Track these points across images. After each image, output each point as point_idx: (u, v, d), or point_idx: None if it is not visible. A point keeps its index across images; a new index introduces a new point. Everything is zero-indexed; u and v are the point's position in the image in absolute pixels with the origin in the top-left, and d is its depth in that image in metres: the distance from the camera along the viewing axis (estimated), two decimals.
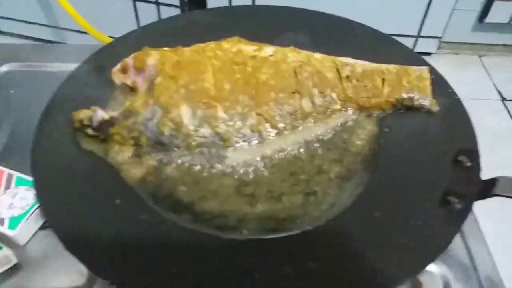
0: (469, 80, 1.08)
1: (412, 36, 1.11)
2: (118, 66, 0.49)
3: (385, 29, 1.08)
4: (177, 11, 1.05)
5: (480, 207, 0.39)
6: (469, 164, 0.40)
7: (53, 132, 0.43)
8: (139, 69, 0.47)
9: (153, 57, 0.47)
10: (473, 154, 0.40)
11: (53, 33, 1.25)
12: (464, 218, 0.36)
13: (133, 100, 0.44)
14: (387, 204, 0.38)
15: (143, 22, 1.13)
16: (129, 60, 0.48)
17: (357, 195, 0.39)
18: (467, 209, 0.37)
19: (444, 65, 1.16)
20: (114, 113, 0.43)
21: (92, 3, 1.12)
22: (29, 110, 0.58)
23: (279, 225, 0.37)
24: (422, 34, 1.10)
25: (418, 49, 1.13)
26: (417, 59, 0.51)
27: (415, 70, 0.47)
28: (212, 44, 0.50)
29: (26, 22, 1.25)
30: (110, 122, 0.42)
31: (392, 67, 0.48)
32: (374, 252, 0.35)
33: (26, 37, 1.30)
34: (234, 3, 1.09)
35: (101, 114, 0.42)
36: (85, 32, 1.06)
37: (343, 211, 0.38)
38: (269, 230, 0.37)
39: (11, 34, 1.31)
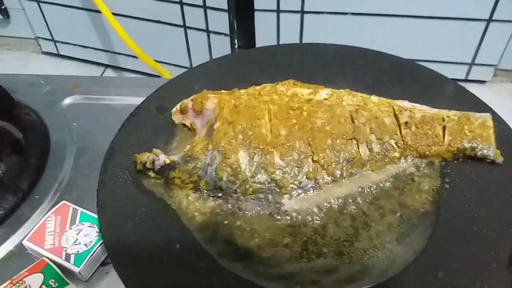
0: None
1: (466, 64, 1.08)
2: (177, 107, 0.51)
3: (439, 57, 1.06)
4: (226, 39, 1.08)
5: None
6: None
7: (117, 173, 0.45)
8: (198, 112, 0.49)
9: (211, 100, 0.48)
10: None
11: (108, 57, 1.31)
12: None
13: (193, 145, 0.45)
14: (450, 263, 0.37)
15: (193, 49, 1.16)
16: (188, 102, 0.50)
17: (419, 251, 0.38)
18: None
19: (500, 93, 1.11)
20: (175, 158, 0.44)
21: (146, 30, 1.16)
22: (89, 144, 0.61)
23: (337, 281, 0.37)
24: (476, 61, 1.06)
25: (472, 76, 1.10)
26: (479, 103, 0.49)
27: (477, 117, 0.46)
28: (267, 87, 0.51)
29: (83, 46, 1.32)
30: (171, 166, 0.44)
31: (452, 113, 0.47)
32: None
33: (83, 61, 1.37)
34: (281, 36, 1.10)
35: (162, 158, 0.44)
36: (137, 57, 1.11)
37: (405, 269, 0.37)
38: (326, 286, 0.36)
39: (69, 57, 1.39)
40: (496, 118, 0.46)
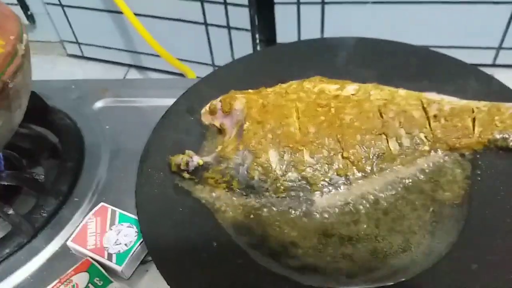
0: None
1: (493, 48, 1.05)
2: (206, 108, 0.52)
3: (465, 42, 1.04)
4: (247, 34, 1.08)
5: None
6: None
7: (153, 175, 0.47)
8: (227, 112, 0.50)
9: (239, 101, 0.49)
10: None
11: (131, 57, 1.33)
12: None
13: (224, 145, 0.46)
14: (483, 255, 0.37)
15: (214, 46, 1.17)
16: (217, 103, 0.51)
17: (452, 244, 0.38)
18: None
19: None
20: (208, 158, 0.45)
21: (167, 28, 1.18)
22: (121, 146, 0.63)
23: (372, 276, 0.38)
24: (504, 45, 1.04)
25: (499, 61, 1.07)
26: (509, 92, 0.49)
27: (508, 107, 0.45)
28: (294, 85, 0.51)
29: (106, 47, 1.35)
30: (204, 167, 0.45)
31: (482, 104, 0.46)
32: None
33: (107, 61, 1.40)
34: (302, 29, 1.10)
35: (196, 159, 0.45)
36: (159, 56, 1.13)
37: (438, 262, 0.37)
38: (361, 281, 0.37)
39: (93, 59, 1.42)
40: None
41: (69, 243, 0.48)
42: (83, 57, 1.42)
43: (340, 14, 1.06)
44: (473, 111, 0.46)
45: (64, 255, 0.49)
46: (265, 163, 0.44)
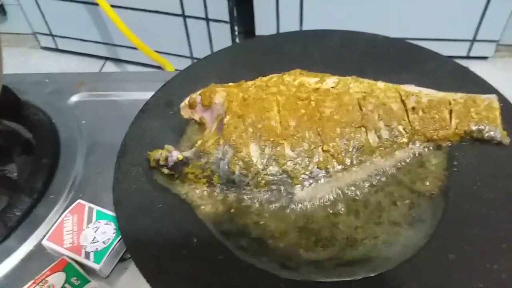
0: None
1: (467, 41, 1.08)
2: (186, 101, 0.51)
3: (440, 34, 1.06)
4: (226, 26, 1.07)
5: None
6: None
7: (131, 170, 0.46)
8: (207, 106, 0.49)
9: (219, 94, 0.49)
10: None
11: (108, 50, 1.30)
12: None
13: (204, 140, 0.46)
14: (461, 245, 0.38)
15: (193, 38, 1.15)
16: (196, 97, 0.50)
17: (430, 235, 0.39)
18: None
19: (502, 69, 1.11)
20: (188, 153, 0.45)
21: (144, 20, 1.16)
22: (98, 140, 0.62)
23: (351, 268, 0.38)
24: (478, 38, 1.06)
25: (473, 53, 1.09)
26: (484, 84, 0.50)
27: (483, 99, 0.46)
28: (274, 78, 0.51)
29: (82, 40, 1.32)
30: (184, 162, 0.44)
31: (458, 96, 0.47)
32: None
33: (82, 54, 1.36)
34: (281, 21, 1.09)
35: (175, 155, 0.44)
36: (137, 48, 1.11)
37: (417, 253, 0.38)
38: (339, 273, 0.38)
39: (68, 52, 1.38)
40: (501, 98, 0.47)
41: (44, 242, 0.47)
42: (57, 50, 1.39)
43: (319, 6, 1.06)
44: (450, 103, 0.46)
45: (39, 255, 0.48)
46: (246, 158, 0.44)
